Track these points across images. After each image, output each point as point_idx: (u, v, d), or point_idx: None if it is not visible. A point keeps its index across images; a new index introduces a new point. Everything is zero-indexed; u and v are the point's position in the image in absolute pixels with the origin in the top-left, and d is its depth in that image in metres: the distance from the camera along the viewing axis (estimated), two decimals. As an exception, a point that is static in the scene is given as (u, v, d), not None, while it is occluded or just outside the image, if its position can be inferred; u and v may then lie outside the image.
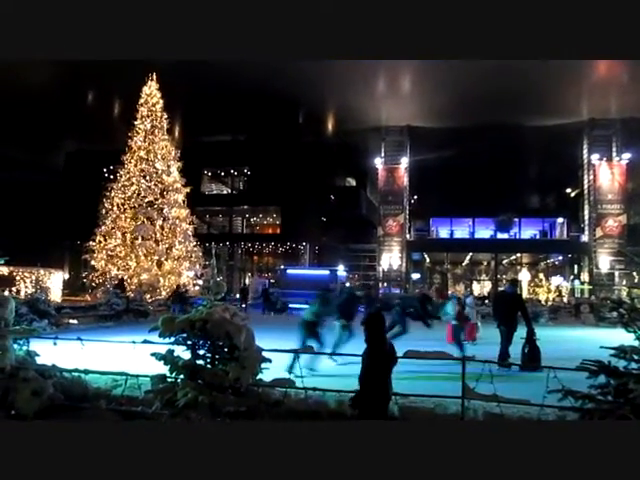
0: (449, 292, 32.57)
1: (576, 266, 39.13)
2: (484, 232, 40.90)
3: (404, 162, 38.10)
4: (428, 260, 43.37)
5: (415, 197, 40.27)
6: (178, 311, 16.19)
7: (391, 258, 37.43)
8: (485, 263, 44.65)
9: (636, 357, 4.68)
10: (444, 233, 42.31)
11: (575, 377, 5.14)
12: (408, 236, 38.60)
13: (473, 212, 39.04)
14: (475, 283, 44.48)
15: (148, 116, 27.69)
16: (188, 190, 28.26)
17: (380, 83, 32.49)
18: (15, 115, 32.21)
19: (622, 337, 4.91)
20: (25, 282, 22.53)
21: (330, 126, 39.26)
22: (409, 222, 38.97)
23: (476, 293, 36.66)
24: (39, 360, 6.17)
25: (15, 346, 5.94)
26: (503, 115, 32.51)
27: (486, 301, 25.83)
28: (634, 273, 32.05)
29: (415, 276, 40.40)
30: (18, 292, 21.19)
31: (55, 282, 24.71)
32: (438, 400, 6.33)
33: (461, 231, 41.98)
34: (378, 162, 38.42)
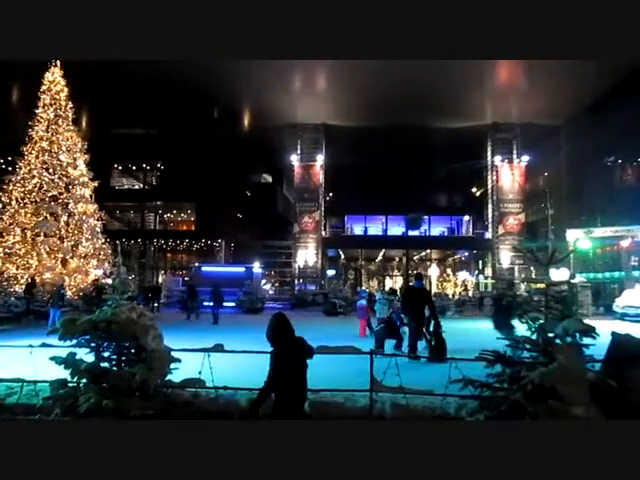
0: (361, 288, 33.46)
1: (480, 262, 41.47)
2: (396, 229, 42.26)
3: (320, 159, 38.51)
4: (343, 257, 44.25)
5: (330, 194, 40.86)
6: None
7: (307, 255, 37.75)
8: (397, 259, 46.24)
9: (528, 346, 5.05)
10: (358, 230, 43.25)
11: (475, 367, 5.44)
12: (324, 233, 39.09)
13: (386, 210, 40.26)
14: (388, 278, 45.89)
15: (51, 105, 26.01)
16: (96, 184, 26.88)
17: (296, 81, 32.63)
18: None
19: (519, 328, 5.26)
20: None
21: (246, 122, 38.90)
22: (324, 219, 39.47)
23: (386, 289, 37.86)
24: None
25: None
26: (413, 116, 33.73)
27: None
28: (531, 268, 34.40)
29: (330, 272, 41.04)
30: None
31: (-56, 282, 22.65)
32: (348, 394, 6.49)
33: (375, 228, 43.10)
34: (294, 159, 38.58)
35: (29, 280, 22.72)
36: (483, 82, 30.30)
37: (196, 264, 33.38)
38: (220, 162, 37.21)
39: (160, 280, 38.52)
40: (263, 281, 35.30)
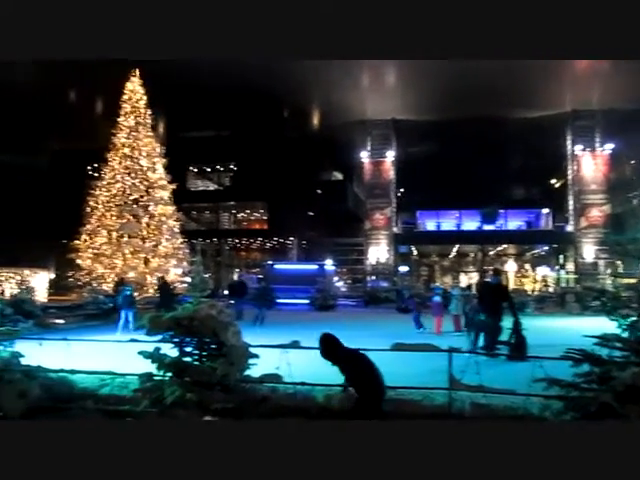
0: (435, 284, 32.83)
1: (561, 256, 39.55)
2: (471, 224, 41.14)
3: (390, 155, 38.15)
4: (415, 253, 43.58)
5: (402, 190, 40.37)
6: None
7: (379, 251, 37.54)
8: (472, 255, 44.97)
9: (618, 345, 4.76)
10: (431, 225, 42.48)
11: (560, 366, 5.20)
12: (395, 229, 38.71)
13: (460, 204, 39.22)
14: (462, 275, 44.78)
15: (132, 113, 27.38)
16: (174, 187, 28.03)
17: (364, 77, 32.46)
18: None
19: (606, 325, 4.98)
20: (10, 283, 22.29)
21: (315, 120, 39.20)
22: (396, 215, 39.07)
23: (463, 285, 36.94)
24: (24, 361, 6.12)
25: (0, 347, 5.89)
26: (488, 107, 32.68)
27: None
28: (618, 262, 32.44)
29: (403, 269, 40.57)
30: (2, 293, 20.94)
31: (40, 282, 24.46)
32: (425, 392, 6.38)
33: (448, 223, 42.18)
34: (364, 155, 38.44)
35: (117, 279, 24.00)
36: (561, 68, 28.83)
37: (269, 262, 34.02)
38: (291, 161, 37.72)
39: (235, 278, 39.57)
40: (335, 278, 35.47)
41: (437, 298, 16.07)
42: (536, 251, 43.37)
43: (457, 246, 42.07)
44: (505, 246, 42.88)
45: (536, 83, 30.27)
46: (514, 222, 42.17)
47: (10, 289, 21.61)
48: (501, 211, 39.79)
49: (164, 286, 19.80)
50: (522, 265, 43.57)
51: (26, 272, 23.35)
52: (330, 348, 4.68)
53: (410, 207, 40.58)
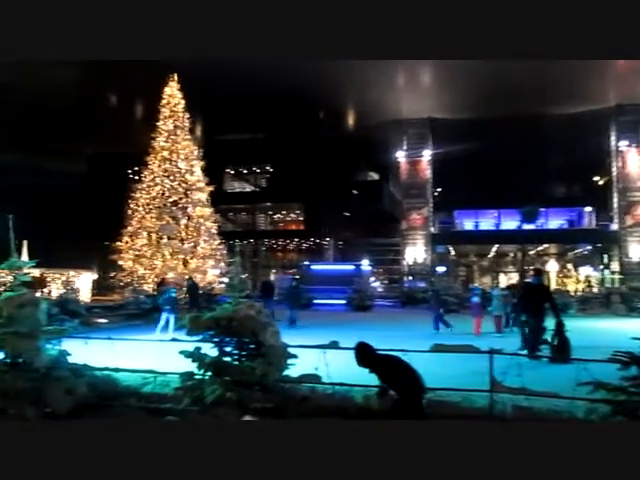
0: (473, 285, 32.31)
1: (606, 255, 38.31)
2: (510, 223, 40.33)
3: (426, 154, 37.78)
4: (453, 253, 42.99)
5: (439, 189, 39.91)
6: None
7: (415, 252, 37.20)
8: (512, 255, 44.05)
9: (670, 348, 4.59)
10: (469, 225, 41.85)
11: (606, 369, 5.05)
12: (432, 229, 38.30)
13: (498, 203, 38.48)
14: (502, 275, 43.94)
15: (170, 116, 27.93)
16: (211, 189, 28.46)
17: (400, 76, 32.22)
18: (37, 124, 32.86)
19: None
20: (56, 283, 23.04)
21: (351, 121, 39.15)
22: (433, 215, 38.66)
23: (503, 285, 36.25)
24: (71, 359, 6.30)
25: (48, 346, 6.09)
26: (526, 104, 31.97)
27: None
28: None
29: (440, 269, 40.10)
30: (49, 293, 21.67)
31: (84, 282, 25.24)
32: (465, 394, 6.29)
33: (486, 223, 41.47)
34: (400, 155, 38.18)
35: (158, 280, 24.50)
36: (603, 62, 27.93)
37: (306, 263, 34.15)
38: (326, 162, 37.78)
39: (272, 278, 39.87)
40: (372, 279, 35.33)
41: (476, 299, 15.84)
42: (579, 250, 42.15)
43: (496, 246, 41.30)
44: (546, 246, 41.85)
45: (578, 78, 29.42)
46: (555, 221, 41.11)
47: (56, 289, 22.34)
48: (542, 210, 38.84)
49: (192, 287, 20.10)
50: (564, 265, 42.43)
51: (71, 273, 24.13)
52: (365, 356, 4.70)
53: (447, 207, 40.06)
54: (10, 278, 6.49)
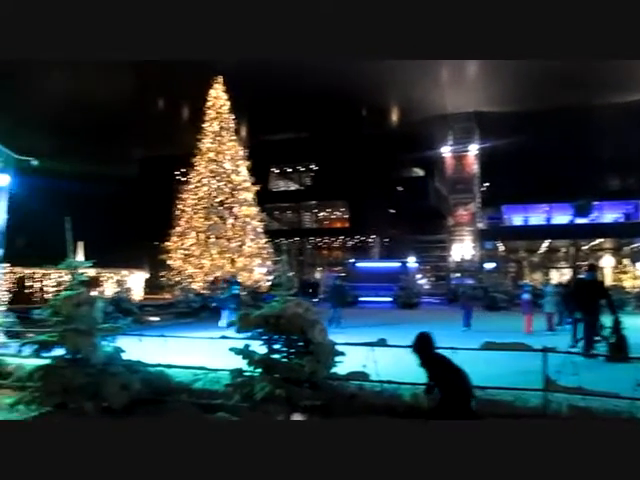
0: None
1: (666, 250, 36.62)
2: (561, 218, 39.07)
3: (473, 149, 37.09)
4: (502, 249, 41.99)
5: (486, 184, 39.08)
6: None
7: (463, 248, 36.61)
8: (564, 250, 42.63)
9: None
10: (518, 220, 40.83)
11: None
12: (480, 225, 37.56)
13: (549, 197, 37.31)
14: (553, 271, 42.59)
15: (215, 118, 28.42)
16: (257, 188, 28.81)
17: (445, 71, 31.74)
18: (90, 132, 34.06)
19: None
20: (109, 282, 23.81)
21: (394, 117, 38.86)
22: (480, 210, 37.89)
23: (555, 281, 35.18)
24: (125, 356, 6.50)
25: (104, 343, 6.30)
26: (576, 94, 30.88)
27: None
28: None
29: (489, 265, 39.26)
30: (103, 292, 22.40)
31: (136, 282, 25.97)
32: (518, 393, 6.13)
33: (536, 218, 40.34)
34: (445, 150, 37.64)
35: (211, 278, 24.99)
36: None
37: (351, 260, 34.09)
38: (370, 159, 37.61)
39: (318, 276, 40.02)
40: (418, 275, 34.95)
41: (526, 295, 15.42)
42: (636, 245, 40.38)
43: (547, 241, 40.07)
44: (601, 240, 40.29)
45: (629, 66, 28.19)
46: (610, 214, 39.54)
47: (110, 288, 23.09)
48: (595, 203, 37.45)
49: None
50: (620, 260, 40.74)
51: (124, 272, 24.85)
52: (423, 348, 4.64)
53: (495, 202, 39.17)
54: (68, 277, 6.74)
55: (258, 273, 27.21)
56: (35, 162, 11.44)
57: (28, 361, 6.88)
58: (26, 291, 19.54)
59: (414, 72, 29.69)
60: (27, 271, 19.97)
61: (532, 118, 33.06)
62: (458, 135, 37.53)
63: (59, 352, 6.10)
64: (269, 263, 27.91)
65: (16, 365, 7.19)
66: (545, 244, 40.80)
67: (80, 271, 6.57)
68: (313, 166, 43.02)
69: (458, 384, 4.54)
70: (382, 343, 6.98)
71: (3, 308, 8.68)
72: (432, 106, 35.51)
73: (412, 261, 32.33)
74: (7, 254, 11.23)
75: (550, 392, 5.87)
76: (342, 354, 5.63)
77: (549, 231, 38.63)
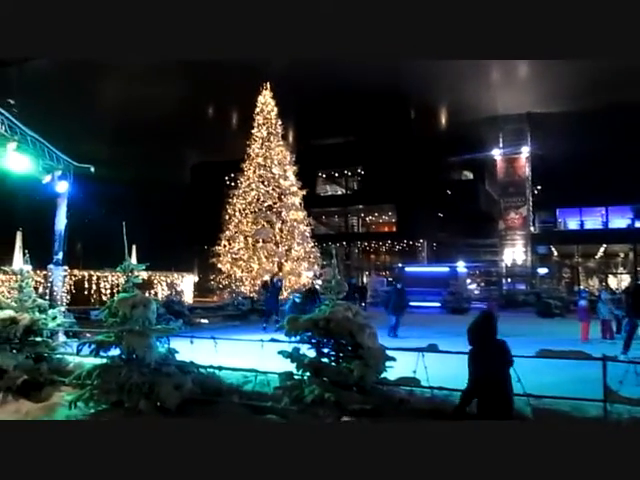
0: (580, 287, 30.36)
1: None
2: (620, 221, 37.50)
3: (525, 151, 36.16)
4: (556, 253, 40.66)
5: (539, 187, 37.96)
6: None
7: (514, 252, 35.68)
8: (622, 255, 40.87)
9: None
10: (573, 224, 39.46)
11: None
12: (532, 229, 36.57)
13: (606, 200, 35.88)
14: (611, 277, 40.88)
15: (264, 124, 28.80)
16: (304, 193, 28.99)
17: (495, 72, 31.04)
18: (145, 138, 35.15)
19: None
20: (161, 285, 24.41)
21: (443, 119, 38.30)
22: (533, 214, 36.87)
23: (612, 287, 33.75)
24: (178, 357, 6.64)
25: (157, 343, 6.45)
26: (634, 92, 29.53)
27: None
28: None
29: (542, 271, 38.10)
30: (156, 294, 23.00)
31: (187, 284, 26.51)
32: (576, 403, 5.90)
33: (592, 221, 38.87)
34: (496, 153, 36.86)
35: (263, 281, 25.23)
36: None
37: (399, 265, 33.78)
38: (418, 162, 37.22)
39: (365, 280, 39.85)
40: (468, 280, 34.28)
41: (583, 302, 14.86)
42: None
43: (604, 246, 38.55)
44: (662, 245, 38.40)
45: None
46: (673, 218, 37.66)
47: (162, 291, 23.69)
48: (656, 206, 35.77)
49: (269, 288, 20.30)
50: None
51: (175, 275, 25.42)
52: (488, 326, 4.43)
53: (549, 205, 38.03)
54: (122, 280, 6.96)
55: (306, 277, 27.33)
56: (92, 169, 11.86)
57: (87, 360, 7.12)
58: (84, 293, 20.28)
59: (464, 73, 29.19)
60: (85, 273, 20.73)
61: (587, 118, 31.86)
62: (509, 137, 36.67)
63: (116, 352, 6.29)
64: (316, 267, 28.01)
65: (75, 364, 7.46)
66: (602, 249, 39.26)
67: (135, 274, 6.76)
68: (360, 170, 42.92)
69: (492, 388, 4.34)
70: (433, 349, 6.86)
71: (63, 309, 9.04)
72: (482, 107, 34.80)
73: (461, 266, 31.74)
74: (66, 257, 11.69)
75: (610, 403, 5.61)
76: (392, 359, 5.57)
77: (606, 235, 37.15)
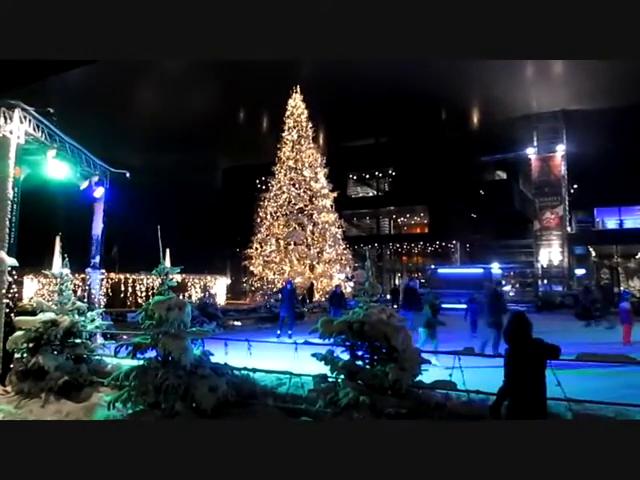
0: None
1: None
2: (662, 220, 36.32)
3: (560, 149, 35.34)
4: (594, 254, 39.60)
5: (575, 186, 37.06)
6: (333, 313, 16.36)
7: (550, 253, 34.88)
8: (665, 255, 39.54)
9: None
10: (612, 224, 38.35)
11: None
12: (569, 229, 35.68)
13: (647, 198, 34.78)
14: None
15: (294, 127, 28.96)
16: (335, 195, 28.99)
17: (529, 69, 30.44)
18: (178, 143, 35.72)
19: None
20: (195, 288, 24.72)
21: (475, 119, 37.77)
22: (569, 214, 36.00)
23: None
24: (212, 359, 6.69)
25: (192, 346, 6.52)
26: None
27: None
28: None
29: (579, 272, 37.15)
30: (189, 297, 23.30)
31: (220, 287, 26.78)
32: (619, 408, 5.70)
33: (633, 220, 37.71)
34: (530, 152, 36.13)
35: (309, 285, 25.43)
36: None
37: (432, 266, 33.43)
38: (450, 162, 36.78)
39: (397, 282, 39.57)
40: (502, 282, 33.67)
41: (625, 304, 14.40)
42: None
43: (645, 245, 37.35)
44: None
45: None
46: None
47: (195, 294, 24.00)
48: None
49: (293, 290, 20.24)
50: None
51: (208, 278, 25.71)
52: (522, 327, 4.41)
53: (586, 204, 37.05)
54: (157, 283, 7.05)
55: (337, 279, 27.31)
56: (128, 174, 12.09)
57: (124, 362, 7.25)
58: (120, 295, 20.71)
59: (496, 71, 28.72)
60: (121, 276, 21.15)
61: (624, 114, 30.97)
62: (544, 135, 35.90)
63: (152, 354, 6.38)
64: (348, 269, 27.97)
65: (113, 365, 7.60)
66: (643, 249, 38.07)
67: (170, 276, 6.85)
68: (391, 171, 42.70)
69: (525, 389, 4.30)
70: (469, 352, 6.74)
71: (101, 311, 9.24)
72: (515, 106, 34.18)
73: (496, 267, 31.21)
74: (103, 261, 11.94)
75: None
76: (428, 362, 5.49)
77: (648, 235, 36.00)
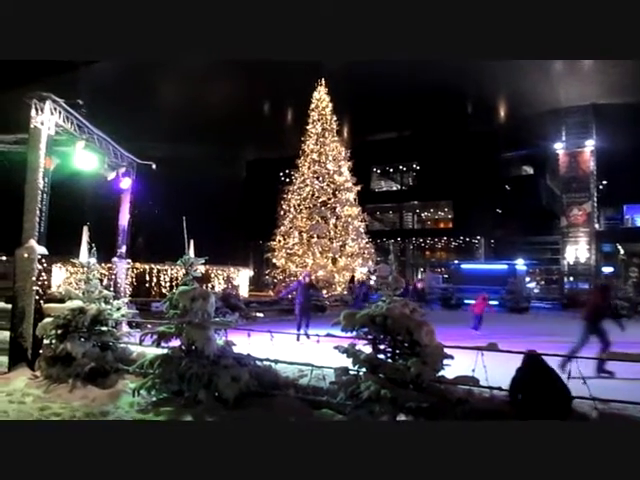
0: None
1: None
2: (693, 218, 35.43)
3: (589, 144, 34.63)
4: (622, 252, 38.82)
5: (604, 182, 36.32)
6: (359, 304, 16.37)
7: (577, 250, 34.29)
8: (696, 253, 38.57)
9: None
10: (641, 221, 37.59)
11: None
12: (597, 226, 35.02)
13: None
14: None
15: (319, 120, 28.91)
16: (358, 188, 28.90)
17: (557, 62, 29.81)
18: (203, 135, 35.98)
19: None
20: (218, 279, 24.91)
21: (502, 113, 37.21)
22: (597, 210, 35.32)
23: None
24: (235, 350, 6.77)
25: (215, 336, 6.60)
26: None
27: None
28: None
29: (607, 270, 36.46)
30: (213, 288, 23.49)
31: (243, 279, 26.94)
32: (647, 408, 5.59)
33: (664, 218, 36.91)
34: (558, 147, 35.49)
35: (349, 277, 25.55)
36: None
37: (455, 262, 33.17)
38: (476, 157, 36.37)
39: (420, 277, 39.38)
40: (527, 279, 33.25)
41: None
42: None
43: (676, 244, 36.48)
44: None
45: None
46: None
47: (219, 285, 24.19)
48: None
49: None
50: None
51: (231, 270, 25.87)
52: (535, 369, 4.42)
53: (615, 201, 36.34)
54: (181, 273, 7.14)
55: (360, 273, 27.27)
56: (154, 166, 12.23)
57: (149, 350, 7.37)
58: (145, 285, 21.00)
59: (524, 65, 28.21)
60: (146, 266, 21.44)
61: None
62: (573, 130, 35.22)
63: (176, 343, 6.48)
64: (370, 263, 27.90)
65: (138, 353, 7.74)
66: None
67: (194, 267, 6.93)
68: (415, 165, 42.39)
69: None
70: (493, 348, 6.68)
71: (126, 300, 9.40)
72: (543, 100, 33.56)
73: (521, 263, 30.79)
74: (129, 251, 12.13)
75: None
76: (450, 357, 5.45)
77: (679, 233, 35.17)
